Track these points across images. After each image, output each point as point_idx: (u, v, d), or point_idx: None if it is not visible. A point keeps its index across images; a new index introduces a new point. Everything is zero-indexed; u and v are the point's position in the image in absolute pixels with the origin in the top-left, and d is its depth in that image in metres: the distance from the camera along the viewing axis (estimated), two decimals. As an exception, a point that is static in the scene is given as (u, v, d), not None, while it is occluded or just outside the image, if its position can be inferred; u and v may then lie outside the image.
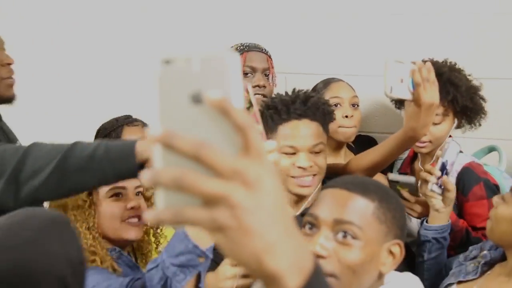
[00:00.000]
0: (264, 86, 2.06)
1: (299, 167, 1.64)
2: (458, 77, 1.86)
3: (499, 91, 2.15)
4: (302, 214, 1.69)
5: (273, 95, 1.97)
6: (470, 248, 1.58)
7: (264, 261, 0.54)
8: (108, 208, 1.55)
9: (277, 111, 1.68)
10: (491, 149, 2.03)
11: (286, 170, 1.66)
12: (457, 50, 2.03)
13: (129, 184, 1.58)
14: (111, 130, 2.02)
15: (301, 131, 1.66)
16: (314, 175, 1.66)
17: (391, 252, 1.10)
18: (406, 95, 1.48)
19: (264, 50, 2.12)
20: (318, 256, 1.03)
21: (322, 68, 2.29)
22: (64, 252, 1.03)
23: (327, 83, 2.10)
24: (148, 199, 1.66)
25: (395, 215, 1.11)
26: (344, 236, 1.05)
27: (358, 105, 2.09)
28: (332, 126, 1.97)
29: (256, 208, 0.53)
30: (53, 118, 2.70)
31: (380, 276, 1.10)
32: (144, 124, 2.09)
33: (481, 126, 1.95)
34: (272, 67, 2.12)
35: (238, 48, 2.09)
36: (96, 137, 2.08)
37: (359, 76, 2.21)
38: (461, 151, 1.77)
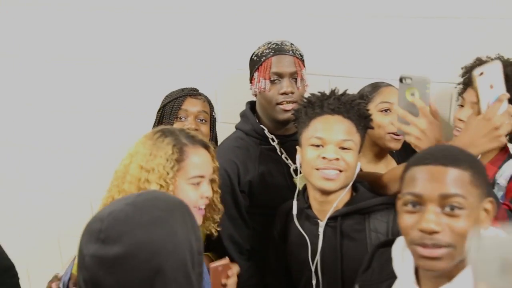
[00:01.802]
0: (292, 92, 1.99)
1: (324, 158, 1.63)
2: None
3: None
4: (331, 218, 1.70)
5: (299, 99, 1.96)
6: None
7: None
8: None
9: (311, 105, 1.70)
10: None
11: (311, 162, 1.65)
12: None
13: (208, 173, 1.64)
14: (175, 97, 2.17)
15: (332, 125, 1.66)
16: (341, 171, 1.64)
17: (485, 210, 1.18)
18: (483, 99, 1.44)
19: (291, 52, 2.03)
20: (433, 232, 1.11)
21: (366, 72, 2.27)
22: (186, 238, 1.08)
23: (376, 86, 2.06)
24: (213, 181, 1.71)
25: (483, 176, 1.18)
26: (452, 209, 1.12)
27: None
28: (380, 132, 1.97)
29: None
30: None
31: None
32: (206, 99, 2.22)
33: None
34: (301, 68, 2.03)
35: (264, 51, 2.04)
36: (163, 101, 2.21)
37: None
38: None
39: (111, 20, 2.69)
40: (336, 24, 2.33)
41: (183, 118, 2.14)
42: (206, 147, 1.68)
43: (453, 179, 1.13)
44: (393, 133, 1.97)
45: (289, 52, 2.03)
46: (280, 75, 2.00)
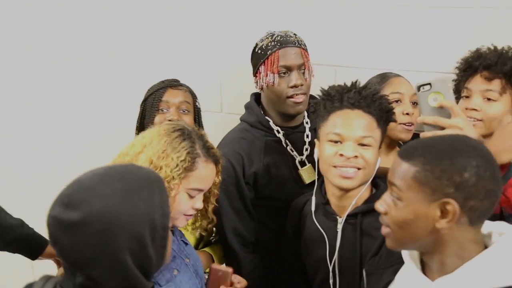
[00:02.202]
0: (302, 84, 1.96)
1: (341, 155, 1.59)
2: None
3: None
4: (351, 215, 1.67)
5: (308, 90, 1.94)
6: None
7: None
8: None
9: (330, 98, 1.65)
10: None
11: (329, 159, 1.61)
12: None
13: (207, 188, 1.61)
14: (156, 90, 2.13)
15: (351, 120, 1.60)
16: (359, 168, 1.60)
17: (441, 210, 1.16)
18: None
19: (297, 43, 2.00)
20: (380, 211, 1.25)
21: (373, 62, 2.25)
22: (148, 213, 1.13)
23: (385, 77, 2.04)
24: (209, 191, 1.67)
25: (442, 176, 1.15)
26: (394, 196, 1.22)
27: (417, 103, 2.00)
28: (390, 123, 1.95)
29: None
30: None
31: (437, 231, 1.17)
32: (188, 89, 2.17)
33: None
34: (308, 59, 2.01)
35: (269, 44, 1.99)
36: (145, 95, 2.17)
37: (412, 72, 2.16)
38: None
39: (110, 20, 2.67)
40: (342, 13, 2.30)
41: (164, 110, 2.09)
42: (216, 162, 1.64)
43: (398, 170, 1.21)
44: (404, 124, 1.95)
45: (295, 44, 1.99)
46: (289, 68, 1.96)
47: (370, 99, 1.62)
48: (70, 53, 2.80)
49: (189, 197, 1.57)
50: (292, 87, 1.95)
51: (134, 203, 1.11)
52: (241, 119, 2.14)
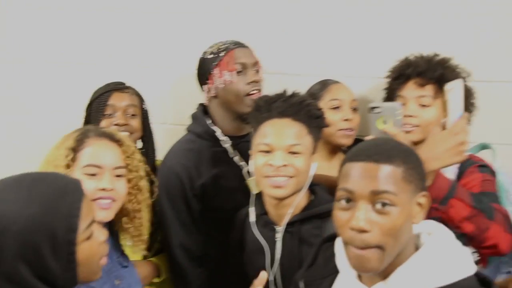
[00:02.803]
0: (258, 81, 1.98)
1: (271, 165, 1.58)
2: (446, 59, 1.89)
3: (493, 94, 2.16)
4: (290, 223, 1.66)
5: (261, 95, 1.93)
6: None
7: None
8: None
9: (259, 109, 1.65)
10: (483, 147, 2.03)
11: (260, 169, 1.61)
12: (453, 51, 2.00)
13: (107, 163, 1.55)
14: (100, 93, 2.08)
15: (280, 130, 1.60)
16: (290, 177, 1.60)
17: (419, 204, 1.17)
18: (451, 112, 1.53)
19: (246, 45, 2.04)
20: (363, 231, 1.11)
21: (317, 69, 2.27)
22: (47, 223, 1.09)
23: (325, 84, 2.07)
24: (130, 181, 1.62)
25: (418, 170, 1.17)
26: (383, 205, 1.12)
27: (357, 109, 2.06)
28: (330, 129, 1.96)
29: None
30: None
31: (411, 232, 1.18)
32: (134, 92, 2.13)
33: (476, 130, 1.95)
34: (259, 61, 2.04)
35: (221, 47, 2.00)
36: (90, 99, 2.12)
37: (354, 78, 2.20)
38: None
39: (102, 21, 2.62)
40: (286, 21, 2.32)
41: (111, 114, 2.05)
42: (114, 140, 1.60)
43: (385, 175, 1.12)
44: (344, 129, 1.98)
45: (245, 45, 2.04)
46: (245, 66, 1.97)
47: (298, 106, 1.62)
48: (67, 54, 2.69)
49: (88, 177, 1.52)
50: (250, 83, 1.96)
51: (34, 211, 1.08)
52: (188, 130, 2.11)
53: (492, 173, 1.81)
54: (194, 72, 2.09)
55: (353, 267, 1.17)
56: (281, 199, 1.63)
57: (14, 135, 2.79)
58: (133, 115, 2.08)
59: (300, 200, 1.64)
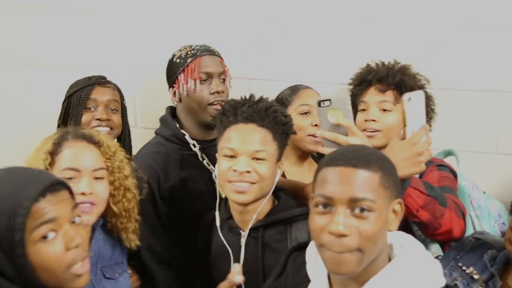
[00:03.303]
0: (223, 91, 1.98)
1: (235, 170, 1.57)
2: (406, 66, 1.94)
3: (458, 102, 2.21)
4: (254, 228, 1.65)
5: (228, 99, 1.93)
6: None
7: None
8: None
9: (225, 113, 1.64)
10: (448, 153, 2.08)
11: (224, 174, 1.60)
12: (412, 59, 2.03)
13: (85, 166, 1.53)
14: (82, 86, 2.06)
15: (245, 135, 1.59)
16: (253, 183, 1.58)
17: (394, 211, 1.18)
18: (410, 124, 1.50)
19: (216, 53, 2.04)
20: (342, 235, 1.10)
21: (286, 75, 2.29)
22: None
23: (295, 89, 2.08)
24: (113, 183, 1.62)
25: (393, 177, 1.18)
26: (362, 211, 1.11)
27: None
28: (300, 134, 1.96)
29: None
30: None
31: (385, 239, 1.18)
32: (116, 87, 2.13)
33: (440, 136, 1.99)
34: (227, 69, 2.05)
35: (189, 52, 2.00)
36: (68, 91, 2.09)
37: (323, 84, 2.23)
38: None
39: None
40: (255, 26, 2.34)
41: (92, 108, 2.04)
42: (92, 142, 1.59)
43: (363, 182, 1.12)
44: (313, 135, 1.98)
45: (214, 52, 2.04)
46: (210, 75, 1.98)
47: (264, 112, 1.60)
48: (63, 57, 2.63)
49: (67, 180, 1.43)
50: (213, 93, 1.96)
51: None
52: (156, 133, 2.10)
53: (452, 172, 1.85)
54: (164, 74, 2.09)
55: (329, 270, 1.16)
56: (244, 205, 1.62)
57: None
58: (115, 110, 2.08)
59: (264, 206, 1.64)
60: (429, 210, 1.52)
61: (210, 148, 2.05)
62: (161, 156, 2.00)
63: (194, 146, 2.04)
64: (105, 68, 2.47)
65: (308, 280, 1.27)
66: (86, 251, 1.19)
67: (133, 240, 1.73)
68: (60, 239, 1.13)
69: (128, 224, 1.69)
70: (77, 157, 1.54)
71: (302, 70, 2.30)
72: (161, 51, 2.15)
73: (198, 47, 2.02)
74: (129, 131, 2.19)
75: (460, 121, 2.24)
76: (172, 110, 2.11)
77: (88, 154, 1.56)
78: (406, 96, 1.48)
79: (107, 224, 1.68)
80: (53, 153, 1.54)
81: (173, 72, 2.03)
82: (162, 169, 1.98)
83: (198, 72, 1.96)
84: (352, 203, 1.11)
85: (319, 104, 1.48)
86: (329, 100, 1.47)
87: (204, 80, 1.98)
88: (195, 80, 1.96)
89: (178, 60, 2.01)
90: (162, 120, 2.11)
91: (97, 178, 1.55)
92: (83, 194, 1.50)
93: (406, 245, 1.21)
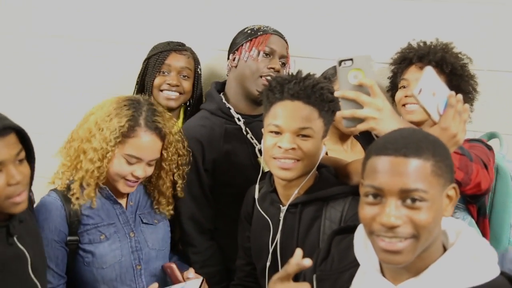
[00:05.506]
0: (278, 71, 2.03)
1: (280, 147, 1.58)
2: (447, 44, 1.94)
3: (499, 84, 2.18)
4: (293, 204, 1.67)
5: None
6: None
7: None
8: None
9: (272, 89, 1.64)
10: (492, 136, 2.05)
11: (269, 150, 1.61)
12: (461, 40, 2.02)
13: (146, 158, 1.74)
14: (160, 51, 2.23)
15: (290, 112, 1.59)
16: (298, 160, 1.59)
17: (448, 196, 1.15)
18: (432, 110, 1.37)
19: (285, 38, 2.12)
20: (394, 227, 1.08)
21: (332, 53, 2.28)
22: None
23: None
24: (162, 164, 1.84)
25: (447, 163, 1.13)
26: (413, 201, 1.09)
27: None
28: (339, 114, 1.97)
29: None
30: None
31: (440, 226, 1.16)
32: (192, 55, 2.27)
33: (479, 119, 1.99)
34: (289, 57, 2.12)
35: (262, 28, 2.08)
36: (149, 53, 2.26)
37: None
38: None
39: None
40: (304, 4, 2.34)
41: (165, 73, 2.20)
42: (160, 136, 1.76)
43: (414, 171, 1.08)
44: None
45: (283, 37, 2.12)
46: (273, 52, 2.06)
47: (311, 89, 1.59)
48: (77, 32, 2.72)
49: (127, 162, 1.72)
50: (270, 68, 2.03)
51: None
52: (201, 108, 2.16)
53: (485, 145, 1.82)
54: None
55: (381, 260, 1.14)
56: (288, 181, 1.64)
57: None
58: (186, 77, 2.22)
59: (307, 181, 1.65)
60: (463, 169, 1.55)
61: (254, 123, 2.10)
62: (205, 129, 2.06)
63: (239, 120, 2.08)
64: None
65: (356, 265, 1.25)
66: (25, 186, 1.44)
67: (168, 210, 1.92)
68: (3, 177, 1.38)
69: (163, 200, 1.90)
70: (143, 150, 1.73)
71: (346, 48, 2.30)
72: (218, 29, 2.23)
73: (271, 28, 2.11)
74: (200, 96, 2.33)
75: (504, 104, 2.21)
76: (217, 85, 2.17)
77: (153, 148, 1.76)
78: (415, 90, 1.35)
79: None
80: (125, 135, 1.70)
81: (240, 39, 2.11)
82: (207, 142, 2.03)
83: (264, 45, 2.05)
84: (403, 194, 1.09)
85: (339, 63, 1.39)
86: (351, 59, 1.38)
87: (267, 54, 2.05)
88: (259, 51, 2.04)
89: (249, 31, 2.10)
90: (208, 94, 2.17)
91: (149, 164, 1.77)
92: (137, 177, 1.75)
93: (462, 232, 1.18)
